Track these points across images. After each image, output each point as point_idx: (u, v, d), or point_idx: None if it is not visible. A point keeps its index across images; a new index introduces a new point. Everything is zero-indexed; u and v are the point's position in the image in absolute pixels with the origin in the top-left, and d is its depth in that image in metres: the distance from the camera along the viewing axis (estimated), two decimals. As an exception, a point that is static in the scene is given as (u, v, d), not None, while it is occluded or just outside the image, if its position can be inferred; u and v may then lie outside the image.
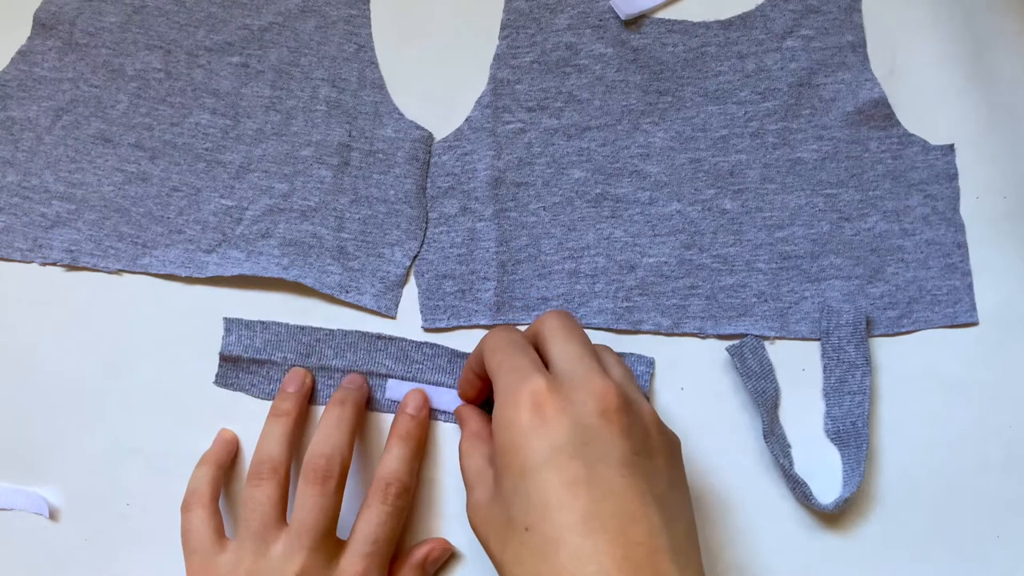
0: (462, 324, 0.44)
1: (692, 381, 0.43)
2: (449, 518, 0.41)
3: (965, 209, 0.45)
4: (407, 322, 0.44)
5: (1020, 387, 0.43)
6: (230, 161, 0.46)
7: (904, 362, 0.43)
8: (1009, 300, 0.44)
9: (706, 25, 0.48)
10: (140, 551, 0.42)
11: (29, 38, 0.48)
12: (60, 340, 0.44)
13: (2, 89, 0.47)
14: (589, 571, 0.29)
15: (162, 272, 0.45)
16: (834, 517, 0.41)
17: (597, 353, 0.35)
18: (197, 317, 0.44)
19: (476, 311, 0.44)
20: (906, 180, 0.45)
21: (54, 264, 0.45)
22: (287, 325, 0.43)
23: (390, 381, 0.43)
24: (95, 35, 0.48)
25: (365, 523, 0.38)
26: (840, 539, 0.41)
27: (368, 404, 0.43)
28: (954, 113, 0.47)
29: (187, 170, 0.46)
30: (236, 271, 0.44)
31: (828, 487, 0.41)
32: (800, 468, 0.41)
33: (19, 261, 0.45)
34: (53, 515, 0.42)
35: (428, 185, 0.46)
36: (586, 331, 0.43)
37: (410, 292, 0.45)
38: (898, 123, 0.46)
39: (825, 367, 0.43)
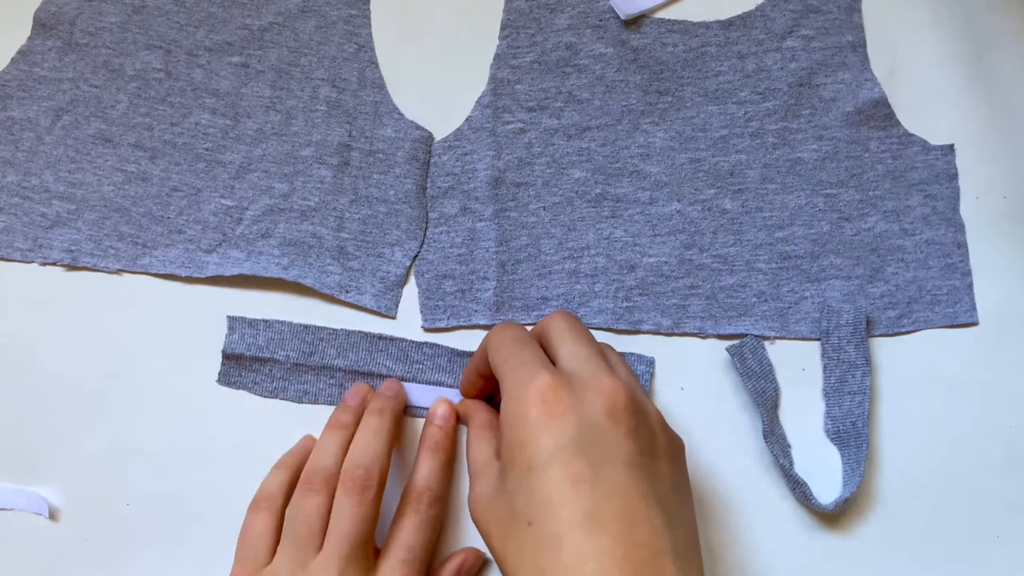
0: (462, 324, 0.44)
1: (692, 381, 0.43)
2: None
3: (965, 209, 0.45)
4: (407, 322, 0.44)
5: (1020, 387, 0.43)
6: (230, 161, 0.46)
7: (904, 362, 0.43)
8: (1009, 300, 0.44)
9: (706, 25, 0.48)
10: (140, 551, 0.42)
11: (29, 38, 0.48)
12: (60, 340, 0.44)
13: (2, 89, 0.47)
14: (589, 569, 0.29)
15: (162, 272, 0.45)
16: (834, 517, 0.41)
17: (603, 352, 0.35)
18: (197, 317, 0.44)
19: (476, 311, 0.44)
20: (906, 180, 0.45)
21: (54, 264, 0.45)
22: (290, 324, 0.43)
23: (412, 386, 0.43)
24: (95, 35, 0.48)
25: (401, 532, 0.37)
26: (840, 539, 0.41)
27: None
28: (954, 113, 0.47)
29: (187, 170, 0.46)
30: (236, 271, 0.44)
31: (828, 487, 0.41)
32: (800, 468, 0.41)
33: (19, 261, 0.45)
34: (53, 515, 0.42)
35: (428, 185, 0.46)
36: (586, 331, 0.44)
37: (410, 292, 0.45)
38: (898, 123, 0.46)
39: (825, 367, 0.43)
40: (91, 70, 0.47)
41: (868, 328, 0.43)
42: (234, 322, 0.43)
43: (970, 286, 0.44)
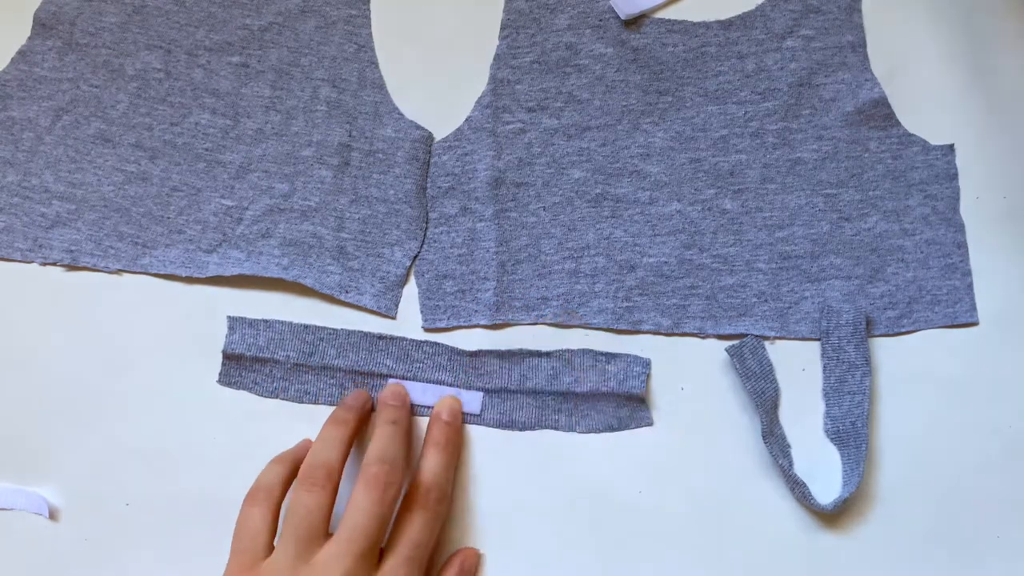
0: (462, 324, 0.44)
1: (692, 381, 0.43)
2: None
3: (965, 209, 0.45)
4: (407, 322, 0.44)
5: (1020, 387, 0.43)
6: (230, 161, 0.46)
7: (904, 362, 0.43)
8: (1009, 300, 0.44)
9: (706, 25, 0.48)
10: (140, 551, 0.42)
11: (29, 38, 0.48)
12: (60, 340, 0.44)
13: (2, 89, 0.47)
14: None
15: (162, 272, 0.45)
16: (834, 517, 0.41)
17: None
18: (197, 317, 0.44)
19: (476, 311, 0.44)
20: (906, 180, 0.45)
21: (54, 264, 0.45)
22: (290, 324, 0.43)
23: (412, 385, 0.43)
24: (95, 35, 0.48)
25: (408, 528, 0.37)
26: (840, 539, 0.41)
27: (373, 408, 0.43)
28: (954, 113, 0.47)
29: (187, 170, 0.46)
30: (236, 271, 0.44)
31: (828, 487, 0.41)
32: (800, 468, 0.41)
33: (19, 261, 0.45)
34: (53, 515, 0.42)
35: (428, 185, 0.46)
36: (586, 332, 0.44)
37: (410, 292, 0.45)
38: (898, 123, 0.46)
39: (825, 367, 0.43)
40: (91, 70, 0.47)
41: (868, 328, 0.43)
42: (234, 322, 0.43)
43: (970, 286, 0.44)
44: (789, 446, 0.42)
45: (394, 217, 0.45)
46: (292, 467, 0.40)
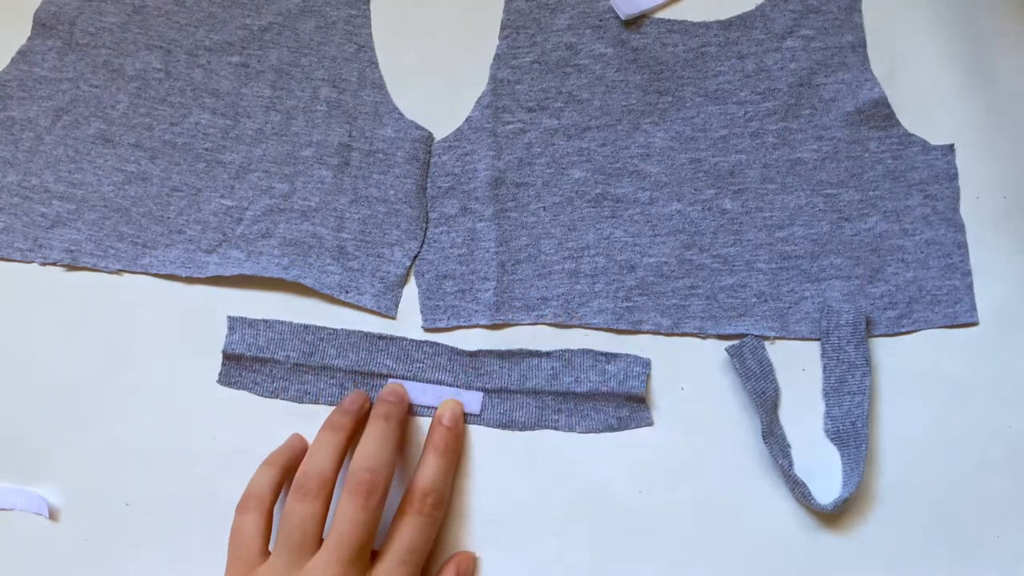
0: (462, 324, 0.44)
1: (692, 381, 0.43)
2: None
3: (965, 209, 0.45)
4: (407, 322, 0.44)
5: (1020, 387, 0.43)
6: (230, 161, 0.46)
7: (904, 362, 0.43)
8: (1009, 300, 0.44)
9: (706, 25, 0.48)
10: (140, 551, 0.42)
11: (29, 38, 0.48)
12: (60, 340, 0.44)
13: (2, 89, 0.47)
14: None
15: (162, 272, 0.45)
16: (834, 517, 0.41)
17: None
18: (197, 317, 0.44)
19: (476, 311, 0.44)
20: (906, 180, 0.45)
21: (54, 264, 0.45)
22: (291, 324, 0.43)
23: (412, 385, 0.43)
24: (95, 35, 0.48)
25: (402, 532, 0.37)
26: (840, 539, 0.41)
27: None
28: (954, 113, 0.47)
29: (187, 170, 0.46)
30: (236, 271, 0.44)
31: (828, 487, 0.41)
32: (800, 468, 0.41)
33: (19, 261, 0.45)
34: (53, 515, 0.42)
35: (428, 185, 0.46)
36: (586, 332, 0.44)
37: (410, 292, 0.45)
38: (898, 123, 0.46)
39: (825, 367, 0.43)
40: (91, 70, 0.47)
41: (868, 328, 0.43)
42: (234, 322, 0.43)
43: (970, 286, 0.44)
44: (789, 446, 0.42)
45: (394, 217, 0.45)
46: (283, 470, 0.40)
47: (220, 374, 0.43)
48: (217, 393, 0.43)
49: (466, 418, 0.42)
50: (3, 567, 0.42)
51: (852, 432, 0.41)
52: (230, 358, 0.43)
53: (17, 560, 0.42)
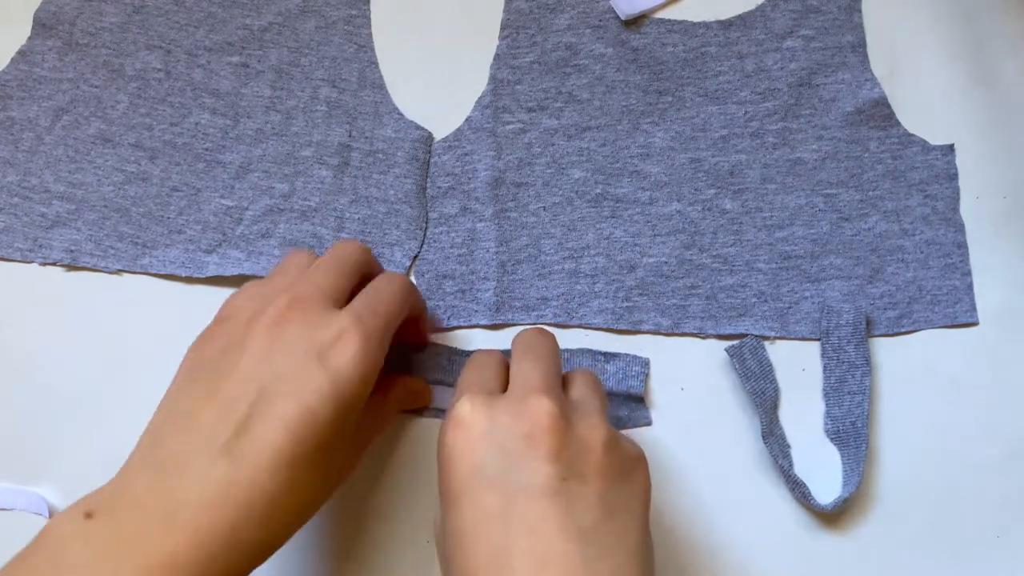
0: (462, 324, 0.44)
1: (692, 381, 0.43)
2: None
3: (965, 209, 0.45)
4: (407, 322, 0.44)
5: (1020, 387, 0.43)
6: (230, 161, 0.46)
7: (904, 362, 0.43)
8: (1009, 300, 0.44)
9: (706, 25, 0.48)
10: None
11: (29, 38, 0.48)
12: (60, 340, 0.44)
13: (2, 89, 0.47)
14: None
15: (162, 272, 0.45)
16: (834, 517, 0.41)
17: (552, 370, 0.33)
18: (197, 317, 0.44)
19: (476, 311, 0.44)
20: (906, 180, 0.45)
21: (54, 264, 0.45)
22: None
23: (437, 389, 0.42)
24: (95, 35, 0.48)
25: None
26: (840, 539, 0.41)
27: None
28: (954, 113, 0.47)
29: (187, 170, 0.46)
30: (236, 271, 0.44)
31: (828, 487, 0.41)
32: (800, 468, 0.41)
33: (19, 261, 0.45)
34: (53, 515, 0.42)
35: (428, 185, 0.46)
36: (585, 332, 0.44)
37: (410, 292, 0.45)
38: (898, 123, 0.46)
39: (825, 367, 0.43)
40: (91, 70, 0.47)
41: (868, 328, 0.43)
42: None
43: (970, 286, 0.44)
44: (789, 446, 0.42)
45: (394, 217, 0.45)
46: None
47: None
48: (217, 393, 0.43)
49: None
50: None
51: (852, 432, 0.41)
52: None
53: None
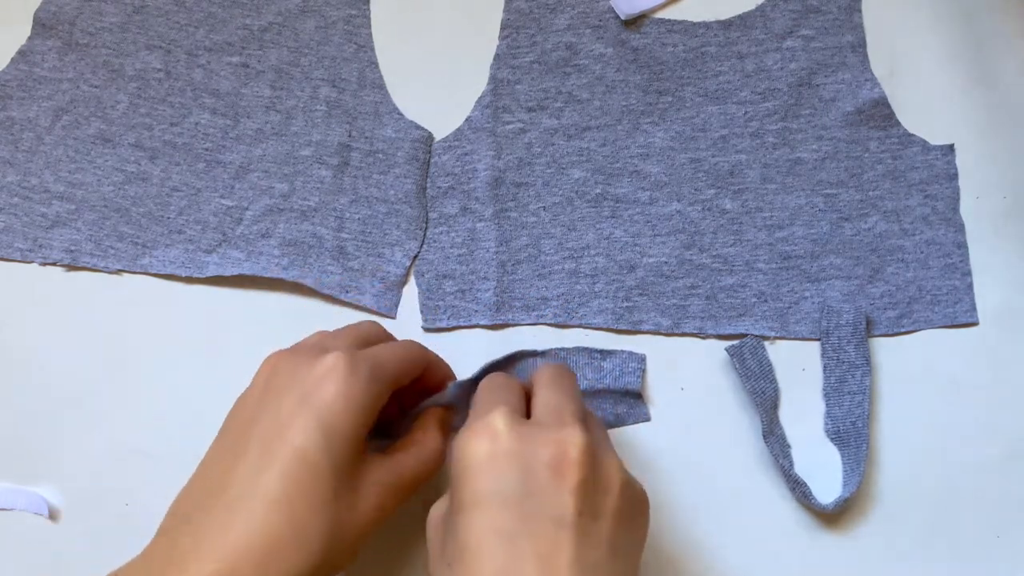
0: (462, 324, 0.44)
1: (692, 381, 0.43)
2: None
3: (965, 209, 0.45)
4: (407, 322, 0.44)
5: (1020, 387, 0.43)
6: (230, 161, 0.46)
7: (904, 362, 0.43)
8: (1009, 300, 0.44)
9: (706, 25, 0.48)
10: (140, 551, 0.42)
11: (29, 38, 0.48)
12: (60, 340, 0.44)
13: (2, 89, 0.47)
14: None
15: (162, 272, 0.45)
16: (834, 517, 0.41)
17: (579, 401, 0.34)
18: (197, 317, 0.44)
19: (476, 311, 0.44)
20: (906, 180, 0.45)
21: (54, 264, 0.45)
22: None
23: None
24: (95, 35, 0.48)
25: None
26: (840, 539, 0.41)
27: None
28: (954, 113, 0.47)
29: (187, 170, 0.46)
30: (236, 271, 0.44)
31: (828, 487, 0.41)
32: (800, 468, 0.41)
33: (19, 261, 0.45)
34: (53, 515, 0.42)
35: (428, 185, 0.46)
36: (585, 332, 0.44)
37: (410, 292, 0.45)
38: (898, 123, 0.46)
39: (825, 367, 0.43)
40: (91, 70, 0.47)
41: (868, 328, 0.43)
42: None
43: (970, 286, 0.44)
44: (789, 446, 0.42)
45: (394, 217, 0.45)
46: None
47: None
48: (217, 393, 0.43)
49: None
50: (3, 567, 0.42)
51: (852, 432, 0.41)
52: None
53: (17, 560, 0.42)
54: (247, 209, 0.45)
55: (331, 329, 0.38)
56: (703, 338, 0.44)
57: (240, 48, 0.48)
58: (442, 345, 0.44)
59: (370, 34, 0.48)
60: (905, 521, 0.41)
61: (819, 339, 0.43)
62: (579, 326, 0.44)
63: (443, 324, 0.44)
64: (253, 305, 0.44)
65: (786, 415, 0.43)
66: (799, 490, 0.40)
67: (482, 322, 0.44)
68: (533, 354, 0.43)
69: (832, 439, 0.42)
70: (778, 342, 0.44)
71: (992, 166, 0.46)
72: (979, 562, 0.41)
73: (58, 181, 0.46)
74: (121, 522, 0.42)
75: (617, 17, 0.48)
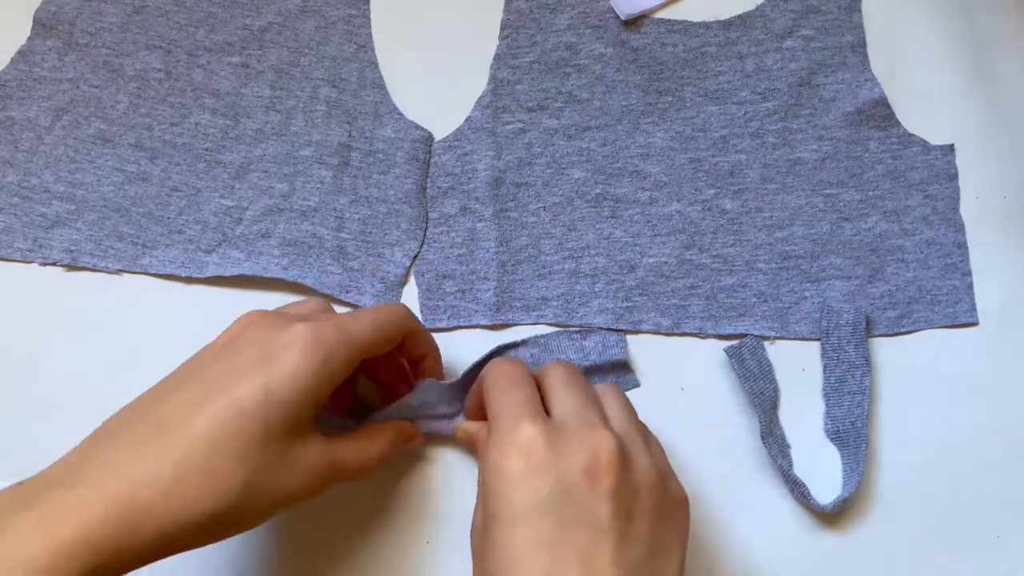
0: (462, 324, 0.44)
1: (692, 381, 0.43)
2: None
3: (965, 209, 0.45)
4: (407, 322, 0.44)
5: (1020, 387, 0.43)
6: (230, 161, 0.46)
7: (904, 362, 0.43)
8: (1009, 300, 0.44)
9: (706, 25, 0.48)
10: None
11: (29, 38, 0.48)
12: (60, 340, 0.44)
13: (2, 89, 0.47)
14: None
15: (162, 272, 0.45)
16: (834, 517, 0.41)
17: (599, 402, 0.34)
18: (197, 317, 0.44)
19: (476, 311, 0.44)
20: (906, 180, 0.45)
21: (54, 264, 0.45)
22: None
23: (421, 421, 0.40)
24: (95, 35, 0.48)
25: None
26: (840, 539, 0.41)
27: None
28: (954, 113, 0.47)
29: (187, 170, 0.46)
30: (236, 271, 0.44)
31: (828, 487, 0.41)
32: (800, 468, 0.41)
33: (19, 261, 0.45)
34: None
35: (428, 185, 0.46)
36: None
37: (410, 292, 0.45)
38: (898, 123, 0.46)
39: (825, 367, 0.43)
40: (91, 70, 0.47)
41: (868, 328, 0.43)
42: None
43: (970, 286, 0.44)
44: (789, 446, 0.42)
45: (394, 217, 0.45)
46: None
47: None
48: (217, 393, 0.43)
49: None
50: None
51: (852, 432, 0.41)
52: None
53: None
54: (247, 209, 0.45)
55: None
56: (703, 338, 0.44)
57: (240, 48, 0.48)
58: (442, 345, 0.44)
59: (370, 34, 0.48)
60: (905, 521, 0.41)
61: (819, 339, 0.43)
62: (579, 326, 0.44)
63: (443, 324, 0.44)
64: (253, 305, 0.44)
65: (786, 415, 0.43)
66: (798, 490, 0.40)
67: (482, 322, 0.44)
68: (513, 345, 0.43)
69: (832, 439, 0.42)
70: (778, 342, 0.44)
71: (992, 166, 0.46)
72: (979, 562, 0.41)
73: (58, 181, 0.46)
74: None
75: (617, 17, 0.48)
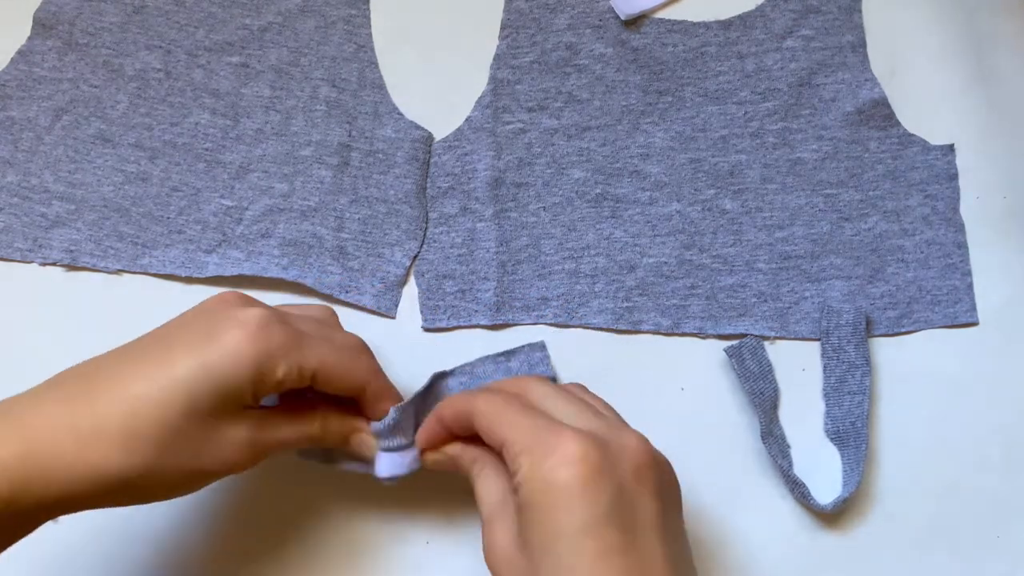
0: (462, 324, 0.44)
1: (692, 381, 0.43)
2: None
3: (965, 209, 0.45)
4: (407, 322, 0.44)
5: (1020, 387, 0.43)
6: (230, 161, 0.46)
7: (904, 362, 0.43)
8: (1009, 300, 0.44)
9: (706, 25, 0.48)
10: (140, 551, 0.42)
11: (29, 38, 0.48)
12: (60, 340, 0.44)
13: (2, 89, 0.47)
14: None
15: (162, 272, 0.45)
16: (834, 517, 0.41)
17: (591, 405, 0.34)
18: (197, 317, 0.44)
19: (476, 311, 0.44)
20: (906, 180, 0.46)
21: (54, 264, 0.45)
22: None
23: (381, 456, 0.37)
24: (95, 35, 0.48)
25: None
26: (840, 539, 0.41)
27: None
28: (954, 113, 0.47)
29: (187, 170, 0.46)
30: (236, 271, 0.44)
31: (828, 487, 0.41)
32: (800, 468, 0.41)
33: (19, 261, 0.45)
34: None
35: (428, 185, 0.46)
36: (585, 332, 0.44)
37: (410, 292, 0.45)
38: (898, 123, 0.46)
39: (825, 367, 0.43)
40: (91, 70, 0.47)
41: (868, 328, 0.43)
42: None
43: (970, 286, 0.44)
44: (789, 446, 0.42)
45: (394, 217, 0.45)
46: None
47: None
48: (217, 393, 0.43)
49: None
50: (3, 567, 0.42)
51: (852, 432, 0.41)
52: None
53: (17, 560, 0.42)
54: (247, 209, 0.45)
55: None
56: (703, 338, 0.44)
57: (240, 48, 0.48)
58: (442, 345, 0.44)
59: (370, 34, 0.48)
60: (905, 521, 0.41)
61: (819, 339, 0.43)
62: (579, 326, 0.44)
63: (443, 324, 0.44)
64: (253, 305, 0.44)
65: (786, 415, 0.43)
66: (798, 490, 0.40)
67: (482, 322, 0.44)
68: (441, 375, 0.40)
69: (832, 439, 0.42)
70: (778, 342, 0.44)
71: (992, 166, 0.46)
72: (979, 562, 0.41)
73: (58, 181, 0.46)
74: (121, 522, 0.42)
75: (617, 17, 0.48)
